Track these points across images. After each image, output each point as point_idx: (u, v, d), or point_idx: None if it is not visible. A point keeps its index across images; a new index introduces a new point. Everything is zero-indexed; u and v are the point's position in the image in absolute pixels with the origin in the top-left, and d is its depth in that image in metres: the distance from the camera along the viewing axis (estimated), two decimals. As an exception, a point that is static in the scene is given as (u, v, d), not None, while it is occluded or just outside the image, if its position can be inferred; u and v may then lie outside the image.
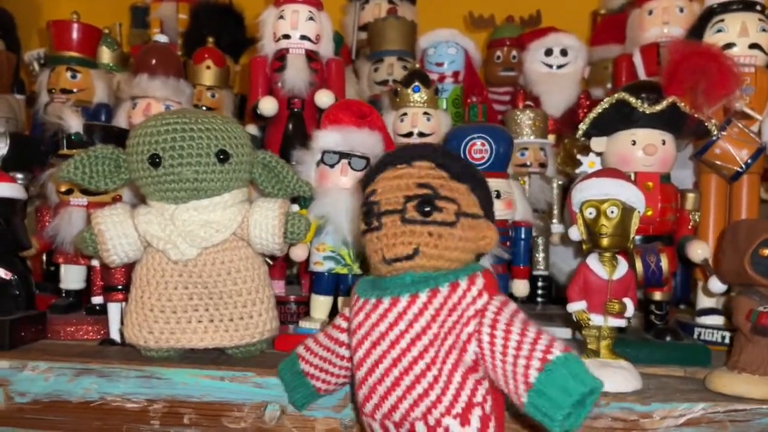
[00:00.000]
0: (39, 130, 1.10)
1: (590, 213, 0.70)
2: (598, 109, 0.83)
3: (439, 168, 0.57)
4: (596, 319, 0.69)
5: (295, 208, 0.84)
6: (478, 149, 0.84)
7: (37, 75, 1.37)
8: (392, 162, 0.58)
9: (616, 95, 0.82)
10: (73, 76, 1.11)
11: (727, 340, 0.84)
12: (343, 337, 0.62)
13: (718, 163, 0.90)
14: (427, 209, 0.54)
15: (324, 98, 1.00)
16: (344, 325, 0.62)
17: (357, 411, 0.60)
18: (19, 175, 0.92)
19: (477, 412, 0.53)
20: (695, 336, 0.88)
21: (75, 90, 1.11)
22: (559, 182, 1.06)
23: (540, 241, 1.04)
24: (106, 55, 1.24)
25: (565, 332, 0.89)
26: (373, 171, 0.60)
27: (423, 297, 0.53)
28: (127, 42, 1.56)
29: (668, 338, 0.81)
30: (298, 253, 0.84)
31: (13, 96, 1.18)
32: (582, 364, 0.49)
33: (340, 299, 0.85)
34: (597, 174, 0.72)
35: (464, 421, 0.52)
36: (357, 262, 0.83)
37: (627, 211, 0.69)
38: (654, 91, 0.82)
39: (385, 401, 0.54)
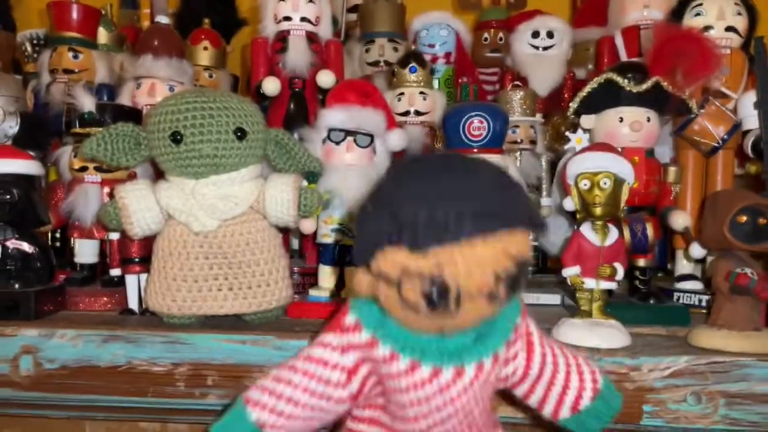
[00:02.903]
0: (42, 110, 1.12)
1: (585, 184, 0.75)
2: (588, 89, 0.88)
3: (527, 234, 0.45)
4: (589, 283, 0.75)
5: (304, 183, 0.89)
6: (477, 126, 0.89)
7: (29, 56, 1.38)
8: (466, 230, 0.41)
9: (604, 75, 0.87)
10: (75, 57, 1.13)
11: (703, 303, 0.91)
12: (346, 392, 0.51)
13: (696, 138, 0.96)
14: (516, 287, 0.44)
15: (325, 78, 1.03)
16: (343, 378, 0.51)
17: None
18: (31, 153, 0.94)
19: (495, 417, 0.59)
20: (675, 300, 0.94)
21: (77, 70, 1.13)
22: (548, 158, 1.12)
23: (530, 214, 1.10)
24: (103, 36, 1.25)
25: (555, 298, 0.95)
26: (426, 230, 0.41)
27: (487, 365, 0.49)
28: (117, 23, 1.57)
29: (651, 301, 0.88)
30: (308, 226, 0.88)
31: (15, 77, 1.19)
32: (612, 385, 0.59)
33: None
34: (591, 148, 0.78)
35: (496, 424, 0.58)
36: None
37: (618, 182, 0.75)
38: (640, 71, 0.87)
39: None
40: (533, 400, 0.57)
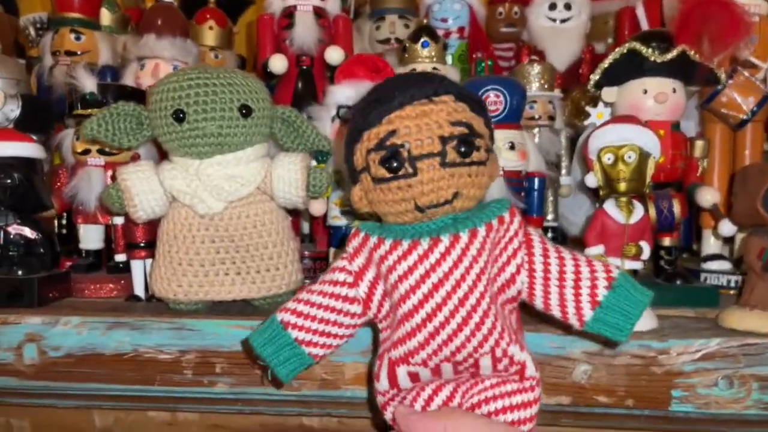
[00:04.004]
0: (45, 93, 1.09)
1: (608, 159, 0.71)
2: (610, 59, 0.84)
3: (459, 101, 0.53)
4: (613, 263, 0.72)
5: (312, 163, 0.86)
6: (493, 101, 0.85)
7: (33, 40, 1.36)
8: (407, 98, 0.52)
9: (627, 44, 0.83)
10: (77, 38, 1.10)
11: (732, 284, 0.87)
12: (353, 292, 0.58)
13: (724, 111, 0.92)
14: (467, 150, 0.51)
15: (334, 55, 1.00)
16: (350, 279, 0.58)
17: (386, 363, 0.57)
18: (33, 137, 0.92)
19: (521, 337, 0.56)
20: (702, 280, 0.90)
21: (79, 52, 1.10)
22: (567, 134, 1.08)
23: (549, 192, 1.06)
24: (106, 17, 1.22)
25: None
26: (379, 108, 0.52)
27: (464, 237, 0.52)
28: (121, 4, 1.54)
29: (678, 282, 0.84)
30: (318, 207, 0.85)
31: (17, 59, 1.17)
32: (631, 278, 0.56)
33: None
34: (615, 120, 0.74)
35: (521, 346, 0.55)
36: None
37: (644, 156, 0.71)
38: (664, 40, 0.83)
39: (450, 343, 0.53)
40: (553, 304, 0.55)
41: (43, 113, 0.99)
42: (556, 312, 0.56)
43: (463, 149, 0.51)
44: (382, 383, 0.58)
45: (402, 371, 0.56)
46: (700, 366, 0.65)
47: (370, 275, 0.57)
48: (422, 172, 0.51)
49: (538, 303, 0.56)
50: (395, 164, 0.51)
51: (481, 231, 0.53)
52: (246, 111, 0.71)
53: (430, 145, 0.51)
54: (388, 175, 0.52)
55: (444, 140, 0.51)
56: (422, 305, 0.53)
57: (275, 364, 0.60)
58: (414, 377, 0.57)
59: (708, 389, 0.65)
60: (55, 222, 1.06)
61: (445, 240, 0.52)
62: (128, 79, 1.07)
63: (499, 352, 0.54)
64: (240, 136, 0.71)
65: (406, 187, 0.52)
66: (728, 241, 0.95)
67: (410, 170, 0.51)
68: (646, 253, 0.71)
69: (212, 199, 0.72)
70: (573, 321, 0.56)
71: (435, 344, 0.53)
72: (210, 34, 1.26)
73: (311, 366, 0.63)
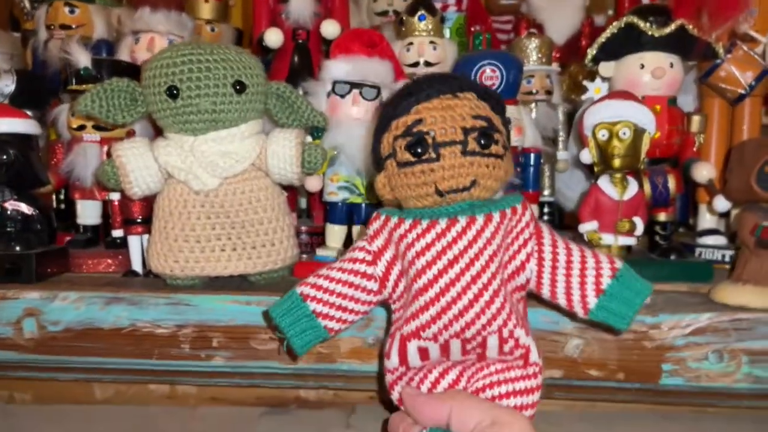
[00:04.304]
0: (40, 68, 1.08)
1: (603, 135, 0.71)
2: (607, 34, 0.83)
3: (481, 100, 0.57)
4: (607, 239, 0.72)
5: (308, 139, 0.85)
6: (489, 76, 0.85)
7: (28, 13, 1.34)
8: (434, 91, 0.56)
9: (624, 18, 0.82)
10: (71, 11, 1.09)
11: (727, 258, 0.87)
12: (371, 270, 0.61)
13: (722, 86, 0.91)
14: (487, 142, 0.55)
15: (330, 28, 0.99)
16: (368, 257, 0.61)
17: (397, 339, 0.59)
18: (28, 113, 0.92)
19: (527, 324, 0.58)
20: (697, 255, 0.90)
21: (74, 26, 1.09)
22: (565, 109, 1.07)
23: (546, 168, 1.06)
24: (102, -10, 1.21)
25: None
26: (409, 99, 0.57)
27: (480, 220, 0.55)
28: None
29: (673, 257, 0.84)
30: (313, 184, 0.85)
31: (11, 33, 1.16)
32: (633, 271, 0.59)
33: (355, 228, 0.87)
34: (610, 96, 0.74)
35: (527, 332, 0.58)
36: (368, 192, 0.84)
37: (638, 132, 0.71)
38: (662, 13, 0.82)
39: (461, 318, 0.55)
40: (559, 292, 0.58)
41: (38, 88, 0.98)
42: (561, 300, 0.59)
43: (483, 141, 0.55)
44: (393, 360, 0.60)
45: (413, 347, 0.58)
46: (691, 340, 0.66)
47: (388, 255, 0.60)
48: (444, 158, 0.55)
49: (545, 291, 0.59)
50: (420, 149, 0.55)
51: (496, 217, 0.55)
52: (240, 87, 0.71)
53: (453, 134, 0.55)
54: (412, 159, 0.56)
55: (466, 131, 0.55)
56: (437, 280, 0.55)
57: (292, 334, 0.62)
58: (423, 353, 0.59)
59: (698, 363, 0.66)
60: (54, 197, 1.06)
61: (462, 221, 0.55)
62: (123, 54, 1.05)
63: (506, 333, 0.56)
64: (234, 112, 0.71)
65: (428, 171, 0.55)
66: (724, 216, 0.95)
67: (434, 155, 0.55)
68: (640, 229, 0.71)
69: (207, 175, 0.72)
70: (578, 309, 0.58)
71: (446, 318, 0.56)
72: (206, 7, 1.24)
73: (325, 340, 0.64)
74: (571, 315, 0.63)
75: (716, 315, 0.66)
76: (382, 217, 0.60)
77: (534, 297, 0.62)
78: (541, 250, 0.58)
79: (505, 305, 0.56)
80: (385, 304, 0.65)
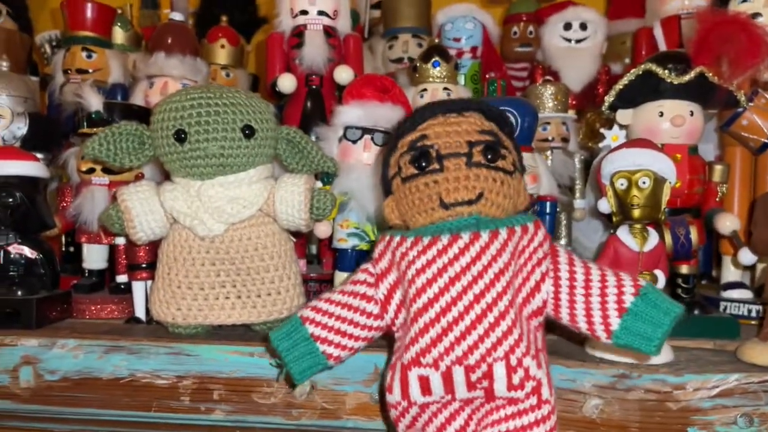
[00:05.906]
0: (55, 111, 1.10)
1: (621, 184, 0.69)
2: (625, 81, 0.82)
3: (488, 120, 0.57)
4: (627, 292, 0.69)
5: (318, 184, 0.84)
6: (503, 123, 0.83)
7: (48, 57, 1.36)
8: (440, 111, 0.57)
9: (642, 66, 0.81)
10: (89, 56, 1.11)
11: (753, 314, 0.84)
12: (372, 291, 0.60)
13: (744, 134, 0.89)
14: (493, 156, 0.54)
15: (343, 74, 0.99)
16: (371, 279, 0.60)
17: (398, 369, 0.56)
18: (39, 155, 0.92)
19: (542, 357, 0.54)
20: (721, 310, 0.87)
21: (91, 70, 1.10)
22: (582, 157, 1.05)
23: (563, 216, 1.04)
24: (119, 35, 1.22)
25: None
26: (414, 119, 0.58)
27: (485, 236, 0.53)
28: (137, 23, 1.55)
29: (696, 312, 0.80)
30: (323, 230, 0.83)
31: (29, 77, 1.17)
32: (658, 289, 0.55)
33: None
34: (628, 144, 0.72)
35: (539, 364, 0.53)
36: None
37: (658, 181, 0.68)
38: (681, 61, 0.80)
39: (462, 341, 0.52)
40: (579, 314, 0.54)
41: (49, 131, 0.98)
42: (582, 323, 0.55)
43: (489, 155, 0.55)
44: (395, 394, 0.57)
45: (413, 376, 0.55)
46: (718, 402, 0.62)
47: (390, 278, 0.58)
48: (448, 170, 0.54)
49: (564, 314, 0.55)
50: (424, 162, 0.55)
51: (503, 233, 0.54)
52: (249, 131, 0.70)
53: (458, 146, 0.55)
54: (416, 172, 0.56)
55: (471, 144, 0.55)
56: (437, 299, 0.53)
57: (290, 359, 0.60)
58: (425, 384, 0.55)
59: (727, 427, 0.62)
60: (63, 240, 1.06)
61: (465, 237, 0.54)
62: (137, 98, 1.06)
63: (513, 360, 0.52)
64: (242, 156, 0.70)
65: (432, 183, 0.55)
66: (749, 268, 0.92)
67: (437, 166, 0.55)
68: (661, 282, 0.68)
69: (213, 220, 0.70)
70: (600, 332, 0.54)
71: (447, 341, 0.53)
72: (222, 53, 1.26)
73: (325, 368, 0.62)
74: (589, 373, 0.60)
75: (745, 376, 0.62)
76: (386, 238, 0.59)
77: (549, 352, 0.59)
78: (557, 269, 0.55)
79: (514, 329, 0.52)
80: (387, 336, 0.62)
